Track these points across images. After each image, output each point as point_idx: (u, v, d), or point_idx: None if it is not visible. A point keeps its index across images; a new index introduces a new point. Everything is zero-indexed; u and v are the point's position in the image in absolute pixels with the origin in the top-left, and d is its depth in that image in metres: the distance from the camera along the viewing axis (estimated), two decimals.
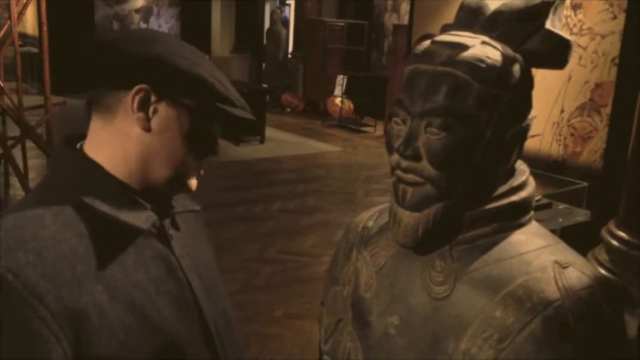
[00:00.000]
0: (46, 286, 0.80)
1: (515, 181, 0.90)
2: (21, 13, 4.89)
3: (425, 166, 0.85)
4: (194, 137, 0.94)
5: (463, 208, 0.87)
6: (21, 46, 5.21)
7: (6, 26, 4.77)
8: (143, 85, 0.90)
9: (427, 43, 0.89)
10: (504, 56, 0.84)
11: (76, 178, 0.91)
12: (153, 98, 0.91)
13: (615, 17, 3.11)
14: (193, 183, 0.99)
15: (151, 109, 0.91)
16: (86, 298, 0.82)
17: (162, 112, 0.92)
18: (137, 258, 0.91)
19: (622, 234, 2.00)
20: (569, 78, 3.28)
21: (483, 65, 0.83)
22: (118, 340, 0.84)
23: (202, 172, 0.99)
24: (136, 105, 0.90)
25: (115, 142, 0.92)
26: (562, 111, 3.34)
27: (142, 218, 0.92)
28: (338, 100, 10.10)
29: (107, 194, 0.90)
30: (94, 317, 0.82)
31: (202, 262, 1.04)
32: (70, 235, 0.86)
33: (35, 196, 0.93)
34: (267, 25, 12.11)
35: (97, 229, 0.88)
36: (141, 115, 0.91)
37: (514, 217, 0.89)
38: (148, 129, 0.91)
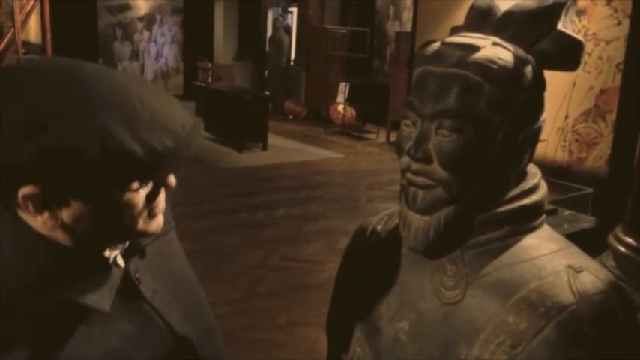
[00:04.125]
0: None
1: (527, 184, 0.89)
2: (24, 21, 4.91)
3: (436, 168, 0.84)
4: (123, 207, 0.77)
5: (474, 212, 0.86)
6: (24, 54, 5.22)
7: (9, 34, 4.79)
8: (27, 190, 0.71)
9: (437, 44, 0.88)
10: (516, 57, 0.83)
11: (19, 253, 0.76)
12: (47, 197, 0.73)
13: (620, 23, 3.11)
14: (154, 226, 0.83)
15: (53, 206, 0.74)
16: None
17: (69, 207, 0.74)
18: (105, 323, 0.81)
19: (629, 240, 1.99)
20: (574, 84, 3.28)
21: (495, 66, 0.82)
22: None
23: (162, 207, 0.83)
24: (31, 211, 0.73)
25: (41, 227, 0.77)
26: (567, 117, 3.33)
27: (102, 291, 0.79)
28: (340, 107, 10.10)
29: (56, 268, 0.77)
30: None
31: (177, 278, 0.97)
32: (22, 323, 0.74)
33: None
34: (269, 32, 12.14)
35: (51, 310, 0.76)
36: (45, 216, 0.74)
37: (526, 220, 0.88)
38: (62, 226, 0.75)
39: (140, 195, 0.78)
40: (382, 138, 9.62)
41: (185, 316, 0.93)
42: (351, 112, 10.07)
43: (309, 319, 3.71)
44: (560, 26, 0.85)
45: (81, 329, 0.78)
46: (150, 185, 0.79)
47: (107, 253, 0.83)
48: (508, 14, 0.87)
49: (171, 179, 0.81)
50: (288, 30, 12.08)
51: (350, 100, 9.99)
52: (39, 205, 0.73)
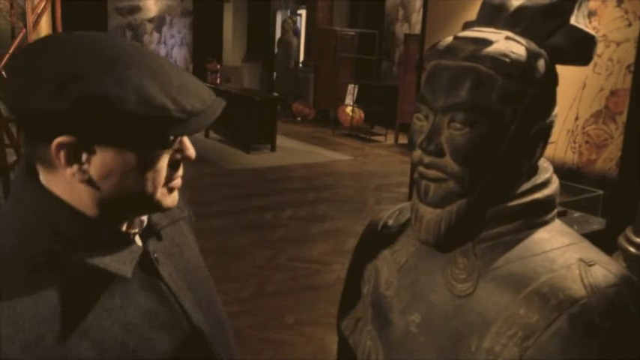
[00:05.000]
0: (29, 358, 0.73)
1: (539, 179, 0.89)
2: (36, 22, 4.94)
3: (448, 161, 0.84)
4: (149, 167, 0.80)
5: (486, 205, 0.86)
6: None
7: (21, 35, 4.82)
8: (62, 139, 0.74)
9: (450, 38, 0.89)
10: (529, 51, 0.84)
11: (43, 219, 0.79)
12: (79, 148, 0.76)
13: (630, 24, 3.09)
14: (170, 200, 0.86)
15: (84, 158, 0.77)
16: (72, 358, 0.76)
17: (98, 160, 0.77)
18: (124, 296, 0.83)
19: (639, 241, 1.98)
20: (584, 85, 3.26)
21: (507, 60, 0.82)
22: None
23: (179, 182, 0.87)
24: (62, 161, 0.76)
25: (65, 189, 0.80)
26: (577, 118, 3.32)
27: (124, 258, 0.82)
28: (349, 109, 10.11)
29: (79, 235, 0.79)
30: None
31: (192, 268, 0.99)
32: (46, 291, 0.76)
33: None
34: (278, 34, 12.17)
35: (74, 279, 0.78)
36: (74, 168, 0.77)
37: (538, 214, 0.88)
38: (87, 181, 0.78)
39: (163, 159, 0.81)
40: (390, 140, 9.61)
41: (197, 306, 0.94)
42: (360, 114, 10.07)
43: (317, 319, 3.71)
44: (572, 21, 0.85)
45: (102, 300, 0.80)
46: (173, 149, 0.82)
47: (126, 229, 0.87)
48: (521, 8, 0.87)
49: (191, 151, 0.85)
50: (296, 32, 12.11)
51: (358, 102, 10.00)
52: (70, 156, 0.76)
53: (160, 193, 0.83)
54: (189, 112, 0.78)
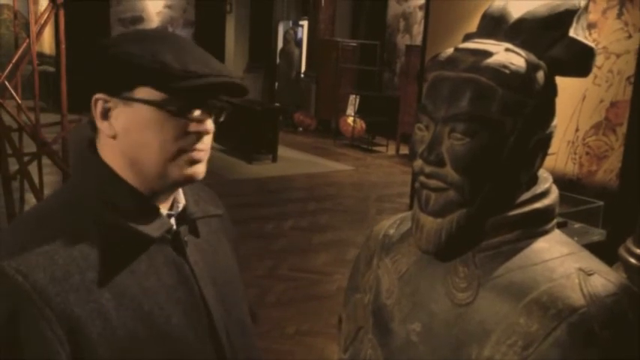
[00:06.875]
0: (55, 289, 0.81)
1: (539, 189, 0.90)
2: (39, 33, 4.97)
3: (448, 171, 0.85)
4: (164, 126, 0.89)
5: (486, 215, 0.87)
6: (38, 64, 5.28)
7: (24, 45, 4.85)
8: (97, 95, 0.90)
9: (450, 50, 0.90)
10: (528, 63, 0.85)
11: (93, 184, 0.92)
12: (109, 104, 0.90)
13: (630, 36, 3.11)
14: (196, 170, 0.94)
15: (112, 115, 0.90)
16: (92, 305, 0.84)
17: (121, 115, 0.90)
18: (149, 264, 0.91)
19: None
20: (584, 97, 3.28)
21: (507, 71, 0.83)
22: (121, 348, 0.85)
23: (200, 154, 0.94)
24: (97, 116, 0.91)
25: (107, 153, 0.93)
26: (577, 130, 3.33)
27: (154, 226, 0.91)
28: (350, 120, 10.13)
29: (121, 201, 0.91)
30: (97, 324, 0.83)
31: (221, 268, 1.04)
32: (83, 240, 0.87)
33: (54, 200, 0.96)
34: (280, 45, 12.22)
35: (110, 237, 0.88)
36: (105, 124, 0.91)
37: (537, 224, 0.89)
38: (113, 136, 0.91)
39: (176, 120, 0.89)
40: (392, 151, 9.62)
41: (219, 302, 0.98)
42: (361, 124, 10.09)
43: (318, 329, 3.71)
44: (571, 33, 0.87)
45: (128, 262, 0.89)
46: (187, 118, 0.90)
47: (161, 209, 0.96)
48: (520, 21, 0.88)
49: (208, 126, 0.93)
50: (298, 43, 12.16)
51: (360, 113, 10.02)
52: (103, 110, 0.90)
53: (180, 159, 0.91)
54: (192, 72, 0.88)
